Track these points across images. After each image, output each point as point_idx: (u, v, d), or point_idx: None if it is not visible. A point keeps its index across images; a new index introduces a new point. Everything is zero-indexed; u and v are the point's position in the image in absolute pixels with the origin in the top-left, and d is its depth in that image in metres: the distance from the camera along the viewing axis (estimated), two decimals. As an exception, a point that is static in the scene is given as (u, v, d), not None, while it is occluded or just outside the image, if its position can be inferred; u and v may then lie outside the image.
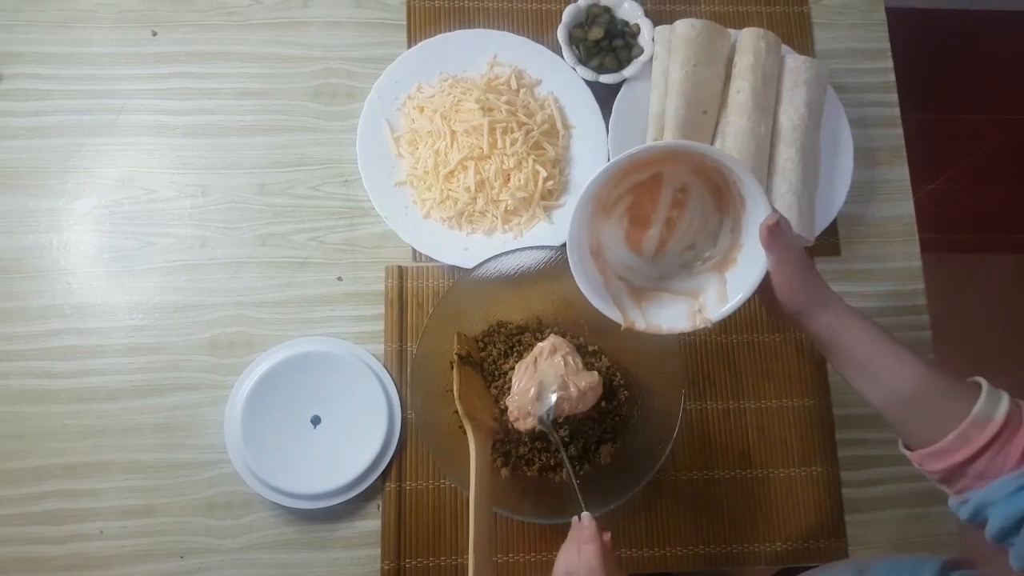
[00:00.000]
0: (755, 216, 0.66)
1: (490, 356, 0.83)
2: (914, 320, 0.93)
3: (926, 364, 0.64)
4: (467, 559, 0.66)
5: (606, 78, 0.92)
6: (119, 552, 0.80)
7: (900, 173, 0.97)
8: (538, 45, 0.94)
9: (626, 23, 0.95)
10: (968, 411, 0.59)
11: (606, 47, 0.94)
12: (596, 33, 0.93)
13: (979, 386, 0.61)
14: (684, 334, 0.70)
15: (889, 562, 0.64)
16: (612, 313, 0.69)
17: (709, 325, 0.68)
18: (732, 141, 0.87)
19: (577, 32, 0.94)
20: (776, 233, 0.64)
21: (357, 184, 0.89)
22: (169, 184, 0.90)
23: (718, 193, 0.70)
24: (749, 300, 0.67)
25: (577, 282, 0.68)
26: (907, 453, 0.65)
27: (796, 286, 0.65)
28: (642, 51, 0.94)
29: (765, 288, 0.66)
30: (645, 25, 0.94)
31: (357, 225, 0.90)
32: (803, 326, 0.67)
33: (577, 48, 0.94)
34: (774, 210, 0.65)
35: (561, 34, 0.92)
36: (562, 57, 0.93)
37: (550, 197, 0.90)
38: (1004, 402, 0.60)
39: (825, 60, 0.98)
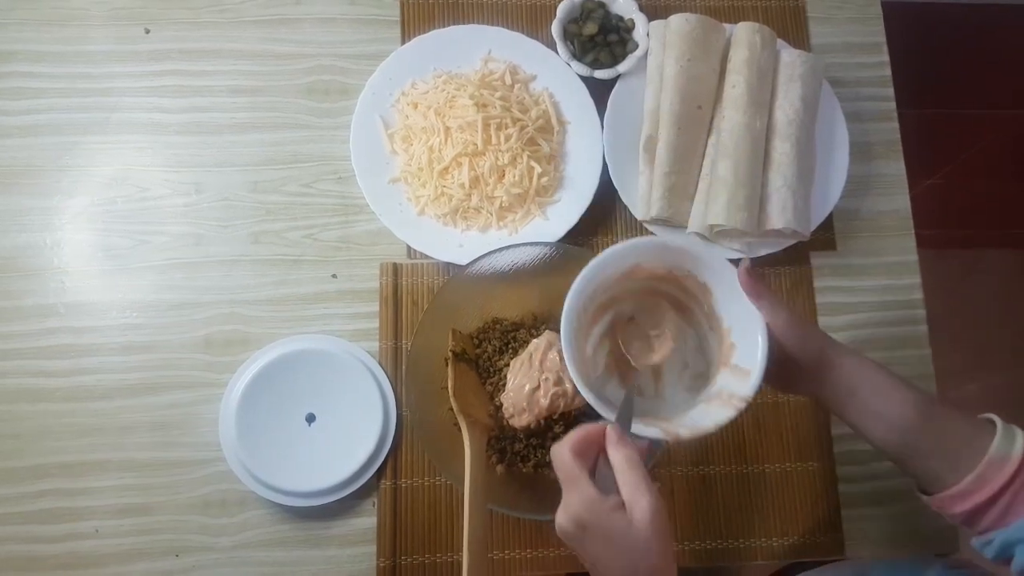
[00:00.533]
0: (723, 288, 0.64)
1: (485, 353, 0.83)
2: (910, 315, 0.93)
3: (938, 401, 0.62)
4: (462, 556, 0.66)
5: (601, 74, 0.92)
6: (115, 551, 0.80)
7: (896, 168, 0.97)
8: (533, 41, 0.94)
9: (621, 18, 0.95)
10: (984, 450, 0.58)
11: (601, 42, 0.93)
12: (591, 28, 0.93)
13: (992, 423, 0.60)
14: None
15: (889, 563, 0.63)
16: (653, 433, 0.61)
17: (748, 402, 0.62)
18: (727, 136, 0.87)
19: (572, 27, 0.94)
20: (756, 275, 0.61)
21: (351, 181, 0.89)
22: (162, 182, 0.90)
23: (678, 304, 0.69)
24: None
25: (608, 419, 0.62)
26: (924, 498, 0.63)
27: (802, 331, 0.62)
28: (637, 46, 0.93)
29: (775, 357, 0.61)
30: (640, 20, 0.94)
31: (351, 222, 0.90)
32: (824, 378, 0.63)
33: (572, 43, 0.94)
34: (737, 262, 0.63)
35: (555, 29, 0.92)
36: (557, 53, 0.93)
37: (545, 193, 0.90)
38: (1020, 438, 0.58)
39: (821, 54, 0.98)
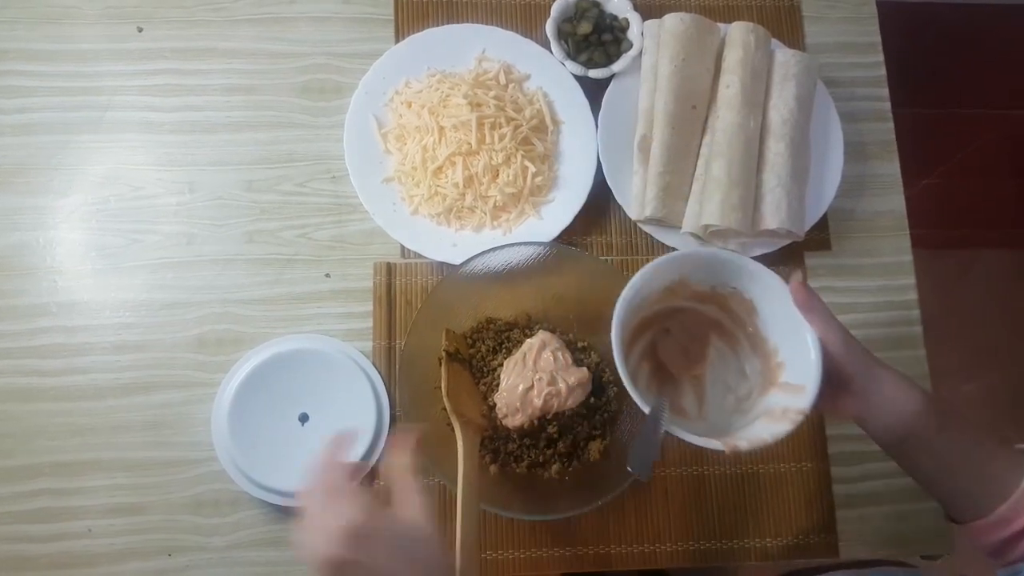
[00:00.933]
0: (771, 304, 0.64)
1: (479, 353, 0.83)
2: (905, 315, 0.93)
3: (972, 426, 0.62)
4: (455, 556, 0.65)
5: (595, 73, 0.92)
6: (107, 550, 0.80)
7: (891, 168, 0.97)
8: (527, 40, 0.94)
9: (615, 17, 0.95)
10: (1019, 481, 0.58)
11: (595, 42, 0.93)
12: (585, 28, 0.93)
13: None
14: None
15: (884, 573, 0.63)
16: (713, 445, 0.62)
17: (806, 415, 0.62)
18: (721, 136, 0.87)
19: (566, 27, 0.94)
20: (809, 289, 0.61)
21: (345, 180, 0.89)
22: (155, 181, 0.90)
23: (720, 328, 0.69)
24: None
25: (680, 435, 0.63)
26: (954, 525, 0.63)
27: (856, 346, 0.62)
28: (631, 46, 0.93)
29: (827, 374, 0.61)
30: (634, 19, 0.94)
31: (345, 222, 0.90)
32: (869, 399, 0.63)
33: (566, 43, 0.93)
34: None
35: (550, 28, 0.92)
36: (551, 52, 0.92)
37: (539, 193, 0.90)
38: None
39: (815, 54, 0.98)
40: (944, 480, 0.63)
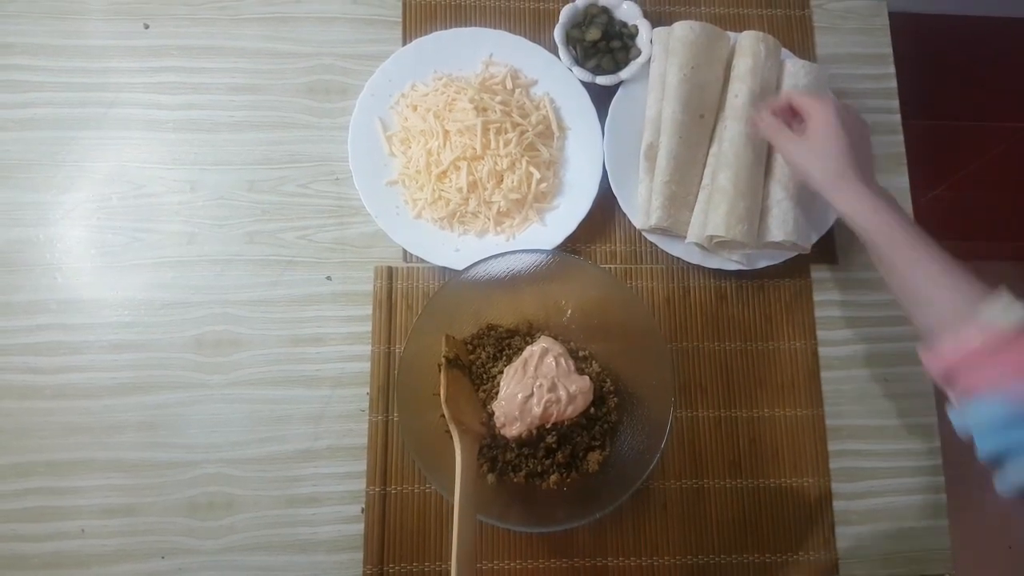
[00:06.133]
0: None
1: (479, 359, 0.82)
2: (911, 330, 0.91)
3: (952, 262, 0.64)
4: (450, 565, 0.65)
5: (603, 80, 0.91)
6: (100, 551, 0.80)
7: (900, 181, 0.96)
8: (534, 45, 0.93)
9: (624, 24, 0.94)
10: (970, 309, 0.59)
11: (603, 48, 0.92)
12: (593, 34, 0.92)
13: (1000, 294, 0.60)
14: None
15: None
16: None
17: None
18: (728, 146, 0.86)
19: (574, 32, 0.93)
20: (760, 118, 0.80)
21: (348, 182, 0.88)
22: (158, 179, 0.89)
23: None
24: None
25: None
26: (920, 353, 0.64)
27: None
28: (640, 53, 0.92)
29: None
30: (643, 26, 0.93)
31: (347, 224, 0.89)
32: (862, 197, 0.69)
33: (574, 49, 0.93)
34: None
35: (558, 34, 0.91)
36: (559, 58, 0.92)
37: (543, 199, 0.89)
38: (1018, 315, 0.58)
39: (826, 64, 0.97)
40: (906, 299, 0.66)
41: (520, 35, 0.93)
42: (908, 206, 0.95)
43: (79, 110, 0.90)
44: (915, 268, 0.65)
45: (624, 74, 0.91)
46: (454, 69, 0.92)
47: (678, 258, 0.88)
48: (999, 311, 0.59)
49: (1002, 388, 0.57)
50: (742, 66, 0.88)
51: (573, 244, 0.89)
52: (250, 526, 0.81)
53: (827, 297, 0.91)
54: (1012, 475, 0.56)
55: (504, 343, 0.83)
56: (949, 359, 0.60)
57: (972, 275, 0.63)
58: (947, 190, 1.69)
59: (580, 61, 0.92)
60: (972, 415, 0.59)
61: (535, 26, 0.96)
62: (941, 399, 0.89)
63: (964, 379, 0.60)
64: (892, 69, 1.00)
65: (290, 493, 0.82)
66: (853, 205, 0.70)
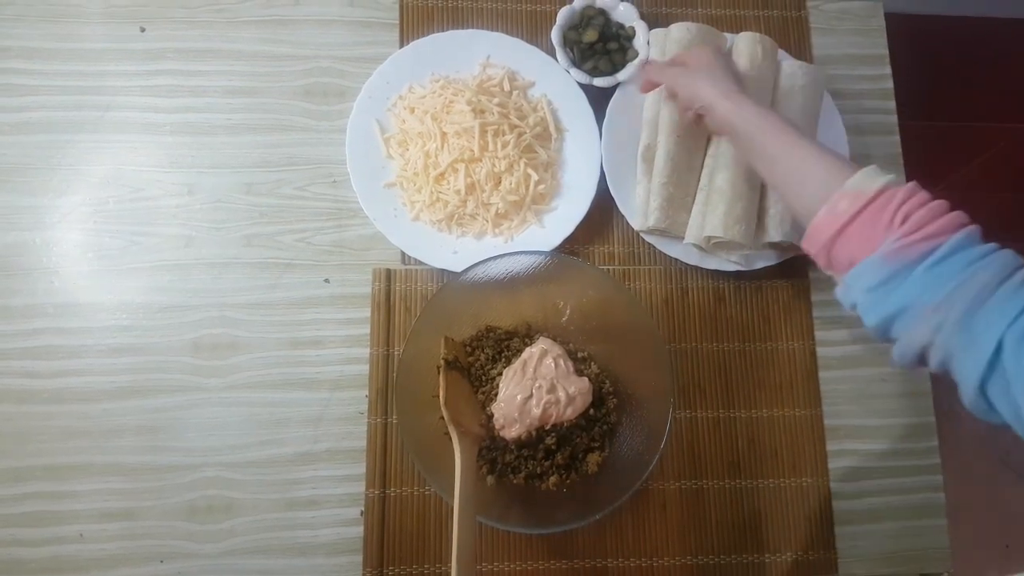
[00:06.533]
0: None
1: (477, 361, 0.82)
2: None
3: (827, 149, 0.65)
4: (451, 568, 0.64)
5: (600, 81, 0.91)
6: (98, 555, 0.79)
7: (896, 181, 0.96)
8: (532, 47, 0.93)
9: (621, 26, 0.94)
10: (840, 184, 0.60)
11: (600, 50, 0.93)
12: (590, 35, 0.92)
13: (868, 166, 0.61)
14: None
15: None
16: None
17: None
18: (726, 147, 0.86)
19: (571, 34, 0.93)
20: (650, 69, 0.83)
21: (346, 185, 0.88)
22: (155, 182, 0.89)
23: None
24: None
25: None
26: (805, 247, 0.65)
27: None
28: (637, 54, 0.92)
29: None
30: (640, 28, 0.93)
31: (345, 227, 0.89)
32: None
33: (571, 51, 0.93)
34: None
35: (555, 36, 0.91)
36: (556, 60, 0.92)
37: (541, 201, 0.89)
38: (881, 180, 0.59)
39: (822, 65, 0.97)
40: (786, 188, 0.67)
41: (517, 37, 0.93)
42: (905, 206, 0.95)
43: (75, 113, 0.90)
44: (793, 151, 0.66)
45: (621, 75, 0.91)
46: (451, 71, 0.92)
47: (676, 259, 0.88)
48: (865, 178, 0.59)
49: (873, 249, 0.57)
50: (739, 67, 0.88)
51: (571, 246, 0.89)
52: (249, 529, 0.81)
53: (825, 297, 0.92)
54: (903, 340, 0.56)
55: (503, 345, 0.83)
56: (825, 234, 0.60)
57: (846, 159, 0.65)
58: (944, 191, 1.69)
59: (577, 63, 0.92)
60: (853, 287, 0.59)
61: (532, 28, 0.96)
62: (940, 398, 0.90)
63: (840, 252, 0.60)
64: (888, 70, 1.00)
65: (289, 496, 0.82)
66: (741, 111, 0.71)
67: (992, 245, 0.55)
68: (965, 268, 0.53)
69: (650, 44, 0.92)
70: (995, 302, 0.51)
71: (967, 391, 0.52)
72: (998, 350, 0.50)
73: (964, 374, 0.52)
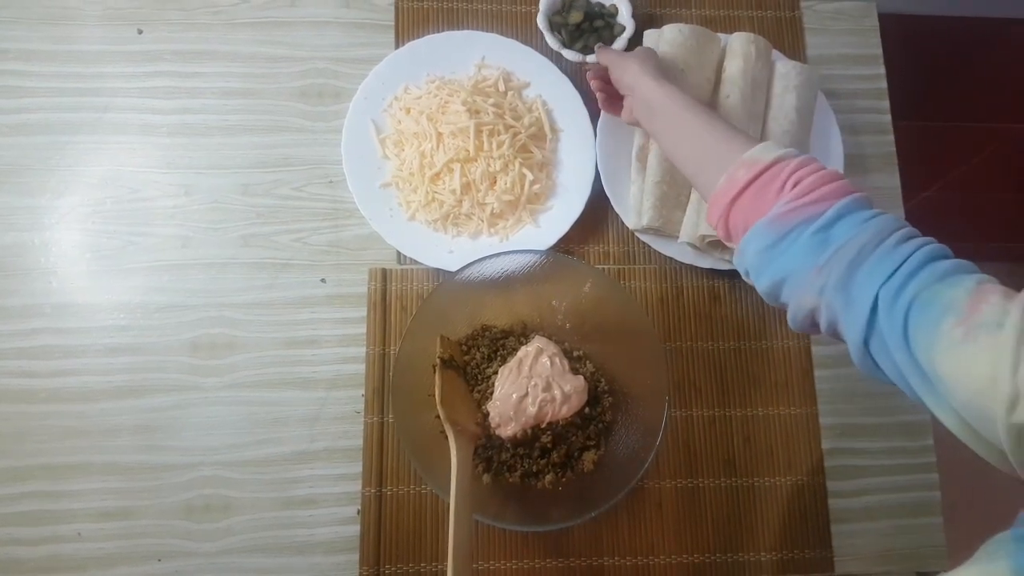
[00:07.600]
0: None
1: (473, 360, 0.82)
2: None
3: (734, 127, 0.67)
4: (447, 566, 0.65)
5: (593, 57, 0.92)
6: (96, 555, 0.79)
7: (891, 180, 0.97)
8: (526, 48, 0.93)
9: (602, 5, 0.96)
10: (737, 155, 0.61)
11: (588, 28, 0.95)
12: (576, 17, 0.94)
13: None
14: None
15: None
16: None
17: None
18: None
19: (557, 19, 0.95)
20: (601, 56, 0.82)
21: (342, 185, 0.89)
22: (152, 183, 0.89)
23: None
24: None
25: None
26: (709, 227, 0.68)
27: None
28: (624, 28, 0.94)
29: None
30: (622, 4, 0.95)
31: (341, 227, 0.90)
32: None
33: (559, 33, 0.94)
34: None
35: (540, 22, 0.93)
36: (551, 60, 0.92)
37: (537, 201, 0.90)
38: (776, 151, 0.60)
39: (816, 65, 0.97)
40: (692, 163, 0.68)
41: (512, 38, 0.94)
42: (899, 207, 0.96)
43: (73, 115, 0.91)
44: (698, 124, 0.67)
45: (616, 47, 0.93)
46: (447, 72, 0.92)
47: (671, 258, 0.89)
48: (763, 150, 0.60)
49: (764, 213, 0.58)
50: (733, 68, 0.89)
51: (566, 245, 0.89)
52: (247, 528, 0.81)
53: (820, 296, 0.92)
54: (793, 304, 0.57)
55: (498, 344, 0.84)
56: (723, 202, 0.61)
57: (754, 138, 0.66)
58: (938, 191, 1.70)
59: (567, 44, 0.93)
60: (745, 251, 0.59)
61: (527, 29, 0.97)
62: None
63: (735, 219, 0.61)
64: (882, 70, 1.00)
65: (286, 495, 0.82)
66: (661, 91, 0.73)
67: (877, 211, 0.56)
68: (849, 231, 0.54)
69: (643, 43, 0.92)
70: (872, 262, 0.52)
71: (853, 350, 0.53)
72: (874, 308, 0.51)
73: (848, 334, 0.53)
